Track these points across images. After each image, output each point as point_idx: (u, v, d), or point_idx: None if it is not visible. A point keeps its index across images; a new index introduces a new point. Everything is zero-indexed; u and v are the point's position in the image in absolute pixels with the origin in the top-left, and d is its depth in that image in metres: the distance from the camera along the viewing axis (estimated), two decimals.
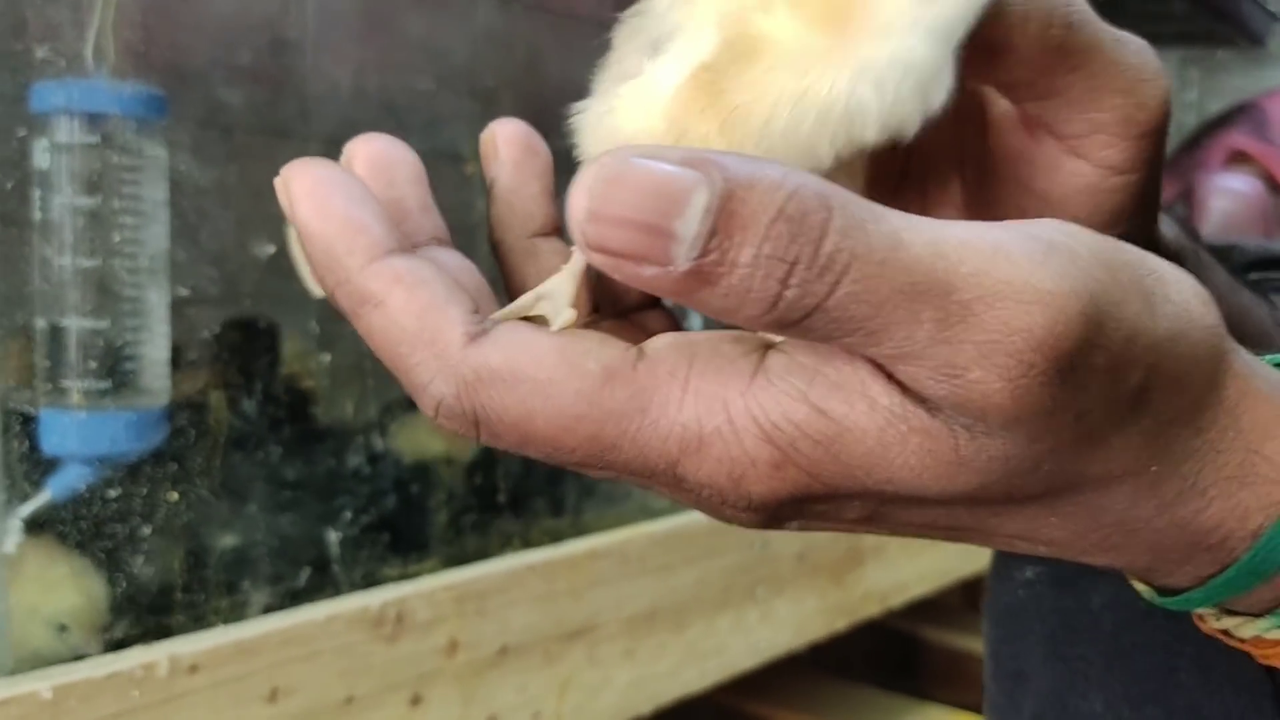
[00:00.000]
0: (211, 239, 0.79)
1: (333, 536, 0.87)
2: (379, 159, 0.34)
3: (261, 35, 0.82)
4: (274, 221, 0.83)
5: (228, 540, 0.82)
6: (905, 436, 0.27)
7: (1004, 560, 0.59)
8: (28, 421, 0.74)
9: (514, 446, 0.30)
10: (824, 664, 1.45)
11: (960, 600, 1.62)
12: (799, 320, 0.25)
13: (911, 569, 1.45)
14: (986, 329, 0.25)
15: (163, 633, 0.75)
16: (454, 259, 0.33)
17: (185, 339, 0.78)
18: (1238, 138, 1.82)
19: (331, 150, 0.34)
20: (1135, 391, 0.28)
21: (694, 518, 1.12)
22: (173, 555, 0.78)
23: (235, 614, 0.81)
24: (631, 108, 0.31)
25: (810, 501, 0.29)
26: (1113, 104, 0.35)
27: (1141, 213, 0.38)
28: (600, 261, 0.25)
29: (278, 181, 0.31)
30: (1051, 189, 0.37)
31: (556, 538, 1.03)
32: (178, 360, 0.79)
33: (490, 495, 1.00)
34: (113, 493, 0.76)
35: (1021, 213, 0.38)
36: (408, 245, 0.31)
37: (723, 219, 0.24)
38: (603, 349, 0.29)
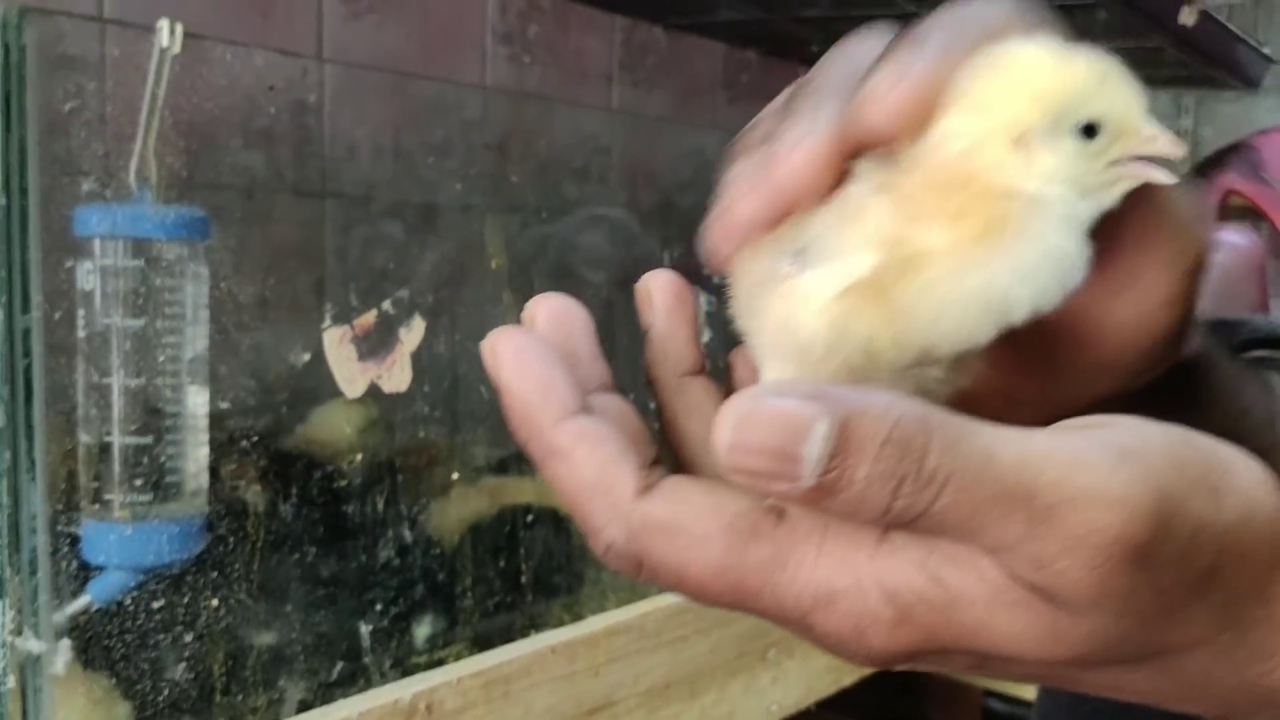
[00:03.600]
0: (250, 351, 0.81)
1: (364, 629, 0.90)
2: (557, 315, 0.38)
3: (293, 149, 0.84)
4: (308, 332, 0.85)
5: (264, 639, 0.84)
6: (1010, 607, 0.31)
7: None
8: (74, 536, 0.76)
9: (670, 587, 0.34)
10: (829, 705, 1.48)
11: None
12: (908, 523, 0.30)
13: None
14: (1069, 528, 0.30)
15: None
16: (619, 405, 0.38)
17: (225, 449, 0.80)
18: (1232, 179, 1.85)
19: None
20: (1205, 572, 0.32)
21: None
22: (212, 659, 0.81)
23: (271, 711, 0.83)
24: (793, 308, 0.36)
25: (924, 655, 0.33)
26: (1167, 242, 0.39)
27: (1179, 341, 0.42)
28: (740, 480, 0.30)
29: (484, 345, 0.35)
30: (1106, 319, 0.41)
31: (577, 615, 1.05)
32: (217, 470, 0.81)
33: (515, 577, 1.02)
34: (156, 604, 0.78)
35: (1073, 341, 0.42)
36: (587, 402, 0.35)
37: (841, 443, 0.29)
38: (752, 508, 0.33)
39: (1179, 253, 0.40)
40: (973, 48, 0.35)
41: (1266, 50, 1.82)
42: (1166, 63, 1.72)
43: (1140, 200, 0.38)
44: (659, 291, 0.40)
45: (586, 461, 0.34)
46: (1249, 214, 1.84)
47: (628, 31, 1.53)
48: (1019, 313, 0.34)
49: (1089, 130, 0.34)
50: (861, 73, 0.35)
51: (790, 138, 0.35)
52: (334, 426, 0.86)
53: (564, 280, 1.13)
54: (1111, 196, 0.35)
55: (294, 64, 0.95)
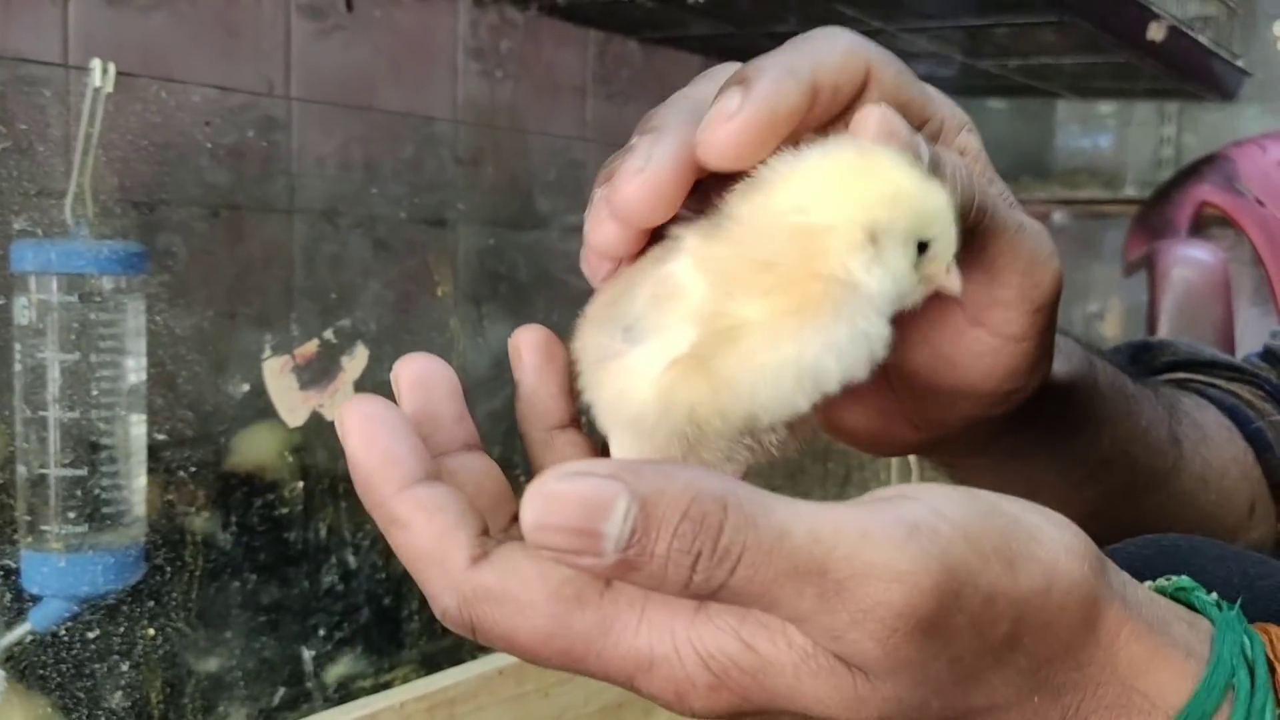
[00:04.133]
0: (188, 382, 0.82)
1: (307, 654, 0.90)
2: (420, 377, 0.39)
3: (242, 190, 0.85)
4: (248, 362, 0.86)
5: (205, 666, 0.85)
6: (815, 673, 0.33)
7: None
8: (10, 567, 0.77)
9: (503, 649, 0.35)
10: None
11: None
12: (709, 595, 0.31)
13: None
14: (858, 602, 0.31)
15: None
16: (480, 464, 0.39)
17: (163, 479, 0.81)
18: (1207, 190, 1.85)
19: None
20: (1004, 639, 0.33)
21: None
22: (150, 686, 0.82)
23: None
24: (624, 382, 0.38)
25: (745, 716, 0.34)
26: (1012, 282, 0.41)
27: (1034, 372, 0.44)
28: (547, 556, 0.31)
29: (337, 415, 0.37)
30: (957, 353, 0.44)
31: None
32: (154, 500, 0.81)
33: None
34: (91, 634, 0.79)
35: (931, 371, 0.44)
36: (434, 470, 0.36)
37: (640, 520, 0.30)
38: (578, 576, 0.34)
39: (1029, 290, 0.42)
40: (806, 84, 0.37)
41: (1240, 63, 1.82)
42: (1143, 75, 1.72)
43: (990, 241, 0.40)
44: (527, 348, 0.41)
45: (423, 531, 0.35)
46: (1223, 225, 1.84)
47: (601, 45, 1.53)
48: (831, 384, 0.36)
49: (922, 246, 0.38)
50: (701, 108, 0.37)
51: (628, 168, 0.37)
52: (260, 449, 0.87)
53: (526, 298, 1.14)
54: (914, 298, 0.38)
55: (257, 93, 0.96)
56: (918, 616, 0.31)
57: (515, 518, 0.37)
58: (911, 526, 0.32)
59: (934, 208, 0.37)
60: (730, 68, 0.39)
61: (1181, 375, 0.66)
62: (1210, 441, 0.60)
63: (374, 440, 0.35)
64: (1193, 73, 1.72)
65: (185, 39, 0.88)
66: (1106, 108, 2.17)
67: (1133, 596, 0.36)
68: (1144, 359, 0.68)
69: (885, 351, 0.37)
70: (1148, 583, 0.38)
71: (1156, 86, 1.82)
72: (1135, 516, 0.55)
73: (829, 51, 0.38)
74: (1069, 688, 0.35)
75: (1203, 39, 1.65)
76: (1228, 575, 0.41)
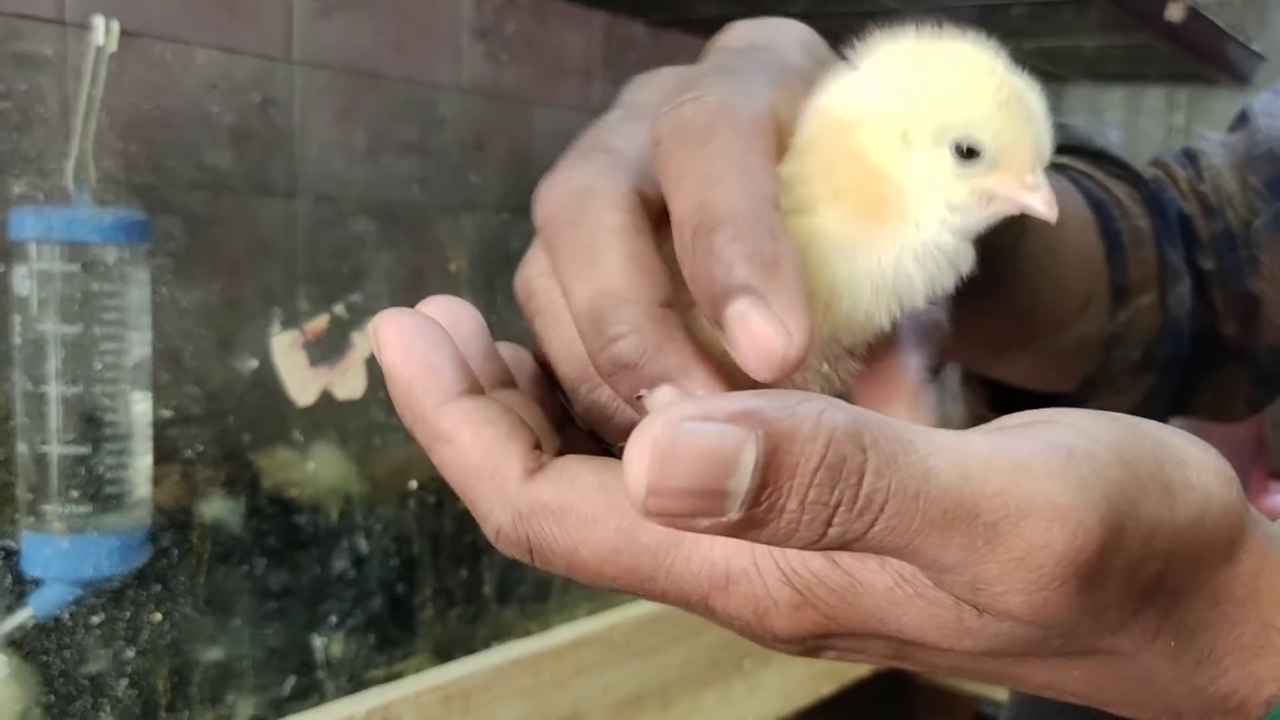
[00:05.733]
0: (194, 357, 0.78)
1: (318, 642, 0.87)
2: (445, 314, 0.36)
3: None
4: (256, 337, 0.83)
5: (213, 654, 0.82)
6: (911, 599, 0.29)
7: None
8: (10, 549, 0.74)
9: (562, 572, 0.32)
10: (816, 713, 1.45)
11: None
12: (841, 548, 0.27)
13: None
14: (1011, 548, 0.27)
15: None
16: (517, 399, 0.36)
17: (169, 458, 0.78)
18: None
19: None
20: (1153, 579, 0.29)
21: None
22: (156, 675, 0.78)
23: None
24: None
25: (833, 638, 0.31)
26: None
27: None
28: (660, 523, 0.27)
29: (369, 327, 0.33)
30: None
31: (544, 624, 1.03)
32: (160, 480, 0.78)
33: (476, 587, 1.00)
34: (95, 618, 0.75)
35: None
36: (477, 385, 0.33)
37: (770, 473, 0.26)
38: None
39: None
40: (759, 75, 0.34)
41: (1256, 47, 1.79)
42: (1157, 59, 1.70)
43: None
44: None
45: (471, 445, 0.32)
46: None
47: (608, 27, 1.50)
48: (916, 296, 0.33)
49: (969, 152, 0.33)
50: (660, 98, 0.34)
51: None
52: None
53: None
54: (976, 220, 0.34)
55: (261, 63, 0.93)
56: (1079, 562, 0.27)
57: (561, 454, 0.33)
58: (1067, 453, 0.28)
59: (984, 103, 0.33)
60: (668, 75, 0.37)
61: (1065, 160, 0.62)
62: (1061, 226, 0.57)
63: (411, 351, 0.32)
64: (1209, 55, 1.70)
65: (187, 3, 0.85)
66: (1116, 95, 2.14)
67: (1271, 528, 0.33)
68: None
69: (969, 265, 0.34)
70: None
71: (1171, 71, 1.79)
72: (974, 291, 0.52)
73: (783, 39, 0.36)
74: (1204, 626, 0.31)
75: (1219, 22, 1.62)
76: None
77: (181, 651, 0.80)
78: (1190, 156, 0.67)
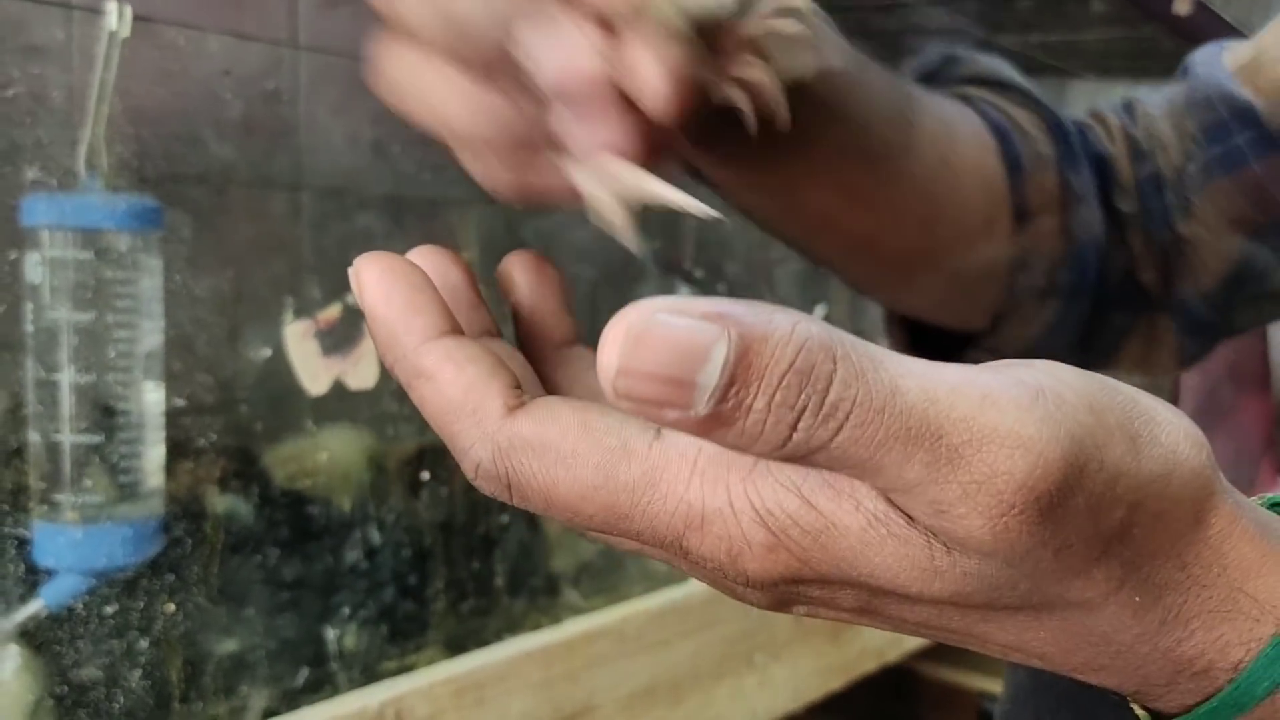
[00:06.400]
0: (207, 346, 0.78)
1: (331, 634, 0.87)
2: (433, 265, 0.37)
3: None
4: (269, 326, 0.82)
5: (225, 645, 0.81)
6: (884, 539, 0.29)
7: None
8: (23, 538, 0.74)
9: (539, 510, 0.32)
10: (821, 709, 1.45)
11: None
12: (804, 457, 0.28)
13: None
14: (972, 471, 0.28)
15: None
16: (503, 347, 0.37)
17: (181, 448, 0.77)
18: None
19: None
20: (1116, 528, 0.30)
21: (691, 590, 1.12)
22: (170, 665, 0.78)
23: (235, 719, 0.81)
24: None
25: (804, 584, 0.31)
26: None
27: None
28: (627, 407, 0.27)
29: (350, 270, 0.34)
30: None
31: (555, 617, 1.02)
32: (173, 470, 0.78)
33: (488, 579, 0.99)
34: (108, 609, 0.75)
35: None
36: (459, 327, 0.34)
37: (740, 370, 0.26)
38: (624, 426, 0.31)
39: None
40: None
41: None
42: (1162, 54, 1.70)
43: None
44: (519, 269, 0.39)
45: (452, 382, 0.32)
46: None
47: None
48: None
49: None
50: None
51: None
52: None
53: None
54: None
55: (267, 51, 0.92)
56: (1039, 491, 0.28)
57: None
58: (1036, 390, 0.29)
59: None
60: None
61: (971, 90, 0.63)
62: (957, 144, 0.58)
63: (393, 292, 0.33)
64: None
65: None
66: (1120, 91, 2.14)
67: (1240, 496, 0.33)
68: (946, 72, 0.65)
69: None
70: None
71: (1175, 66, 1.79)
72: (869, 185, 0.53)
73: None
74: (1171, 587, 0.31)
75: (1226, 16, 1.62)
76: None
77: (195, 642, 0.79)
78: (1127, 105, 0.68)
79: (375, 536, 0.90)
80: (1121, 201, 0.64)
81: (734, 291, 1.36)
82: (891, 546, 0.29)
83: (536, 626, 1.01)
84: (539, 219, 1.12)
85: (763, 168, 0.50)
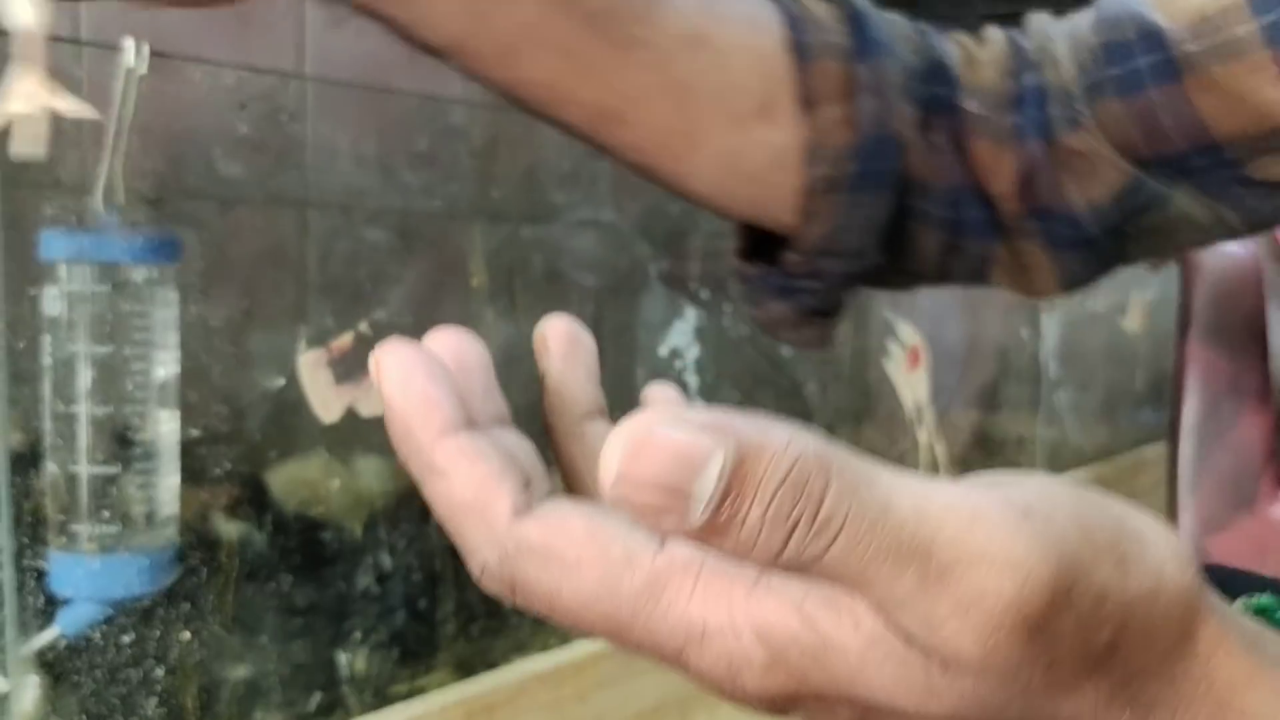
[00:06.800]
0: (221, 376, 0.79)
1: (343, 658, 0.88)
2: (450, 347, 0.37)
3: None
4: (282, 355, 0.83)
5: (238, 671, 0.82)
6: (883, 660, 0.30)
7: None
8: (40, 569, 0.74)
9: (542, 613, 0.32)
10: None
11: None
12: (799, 568, 0.28)
13: None
14: (962, 589, 0.28)
15: None
16: (513, 438, 0.36)
17: (196, 477, 0.78)
18: None
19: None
20: (1105, 646, 0.30)
21: None
22: (185, 692, 0.79)
23: None
24: None
25: (801, 700, 0.31)
26: None
27: None
28: (625, 513, 0.28)
29: (371, 359, 0.34)
30: None
31: (564, 638, 1.03)
32: (188, 498, 0.78)
33: (496, 602, 1.00)
34: (125, 637, 0.76)
35: None
36: (473, 423, 0.34)
37: (735, 481, 0.27)
38: (630, 534, 0.31)
39: None
40: None
41: None
42: None
43: None
44: (554, 337, 0.39)
45: (464, 479, 0.32)
46: None
47: None
48: None
49: None
50: None
51: None
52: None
53: (549, 291, 1.11)
54: None
55: (275, 75, 0.93)
56: (1027, 610, 0.28)
57: (551, 494, 0.34)
58: (1024, 510, 0.29)
59: None
60: None
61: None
62: (722, 21, 0.58)
63: (411, 384, 0.33)
64: None
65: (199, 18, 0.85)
66: None
67: (1228, 612, 0.34)
68: None
69: None
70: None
71: None
72: (598, 52, 0.53)
73: None
74: (1160, 704, 0.32)
75: None
76: None
77: (209, 669, 0.80)
78: (1024, 21, 0.65)
79: (386, 561, 0.90)
80: (967, 102, 0.62)
81: (738, 306, 1.37)
82: (890, 667, 0.30)
83: (545, 648, 1.02)
84: (544, 233, 1.13)
85: (470, 28, 0.51)
